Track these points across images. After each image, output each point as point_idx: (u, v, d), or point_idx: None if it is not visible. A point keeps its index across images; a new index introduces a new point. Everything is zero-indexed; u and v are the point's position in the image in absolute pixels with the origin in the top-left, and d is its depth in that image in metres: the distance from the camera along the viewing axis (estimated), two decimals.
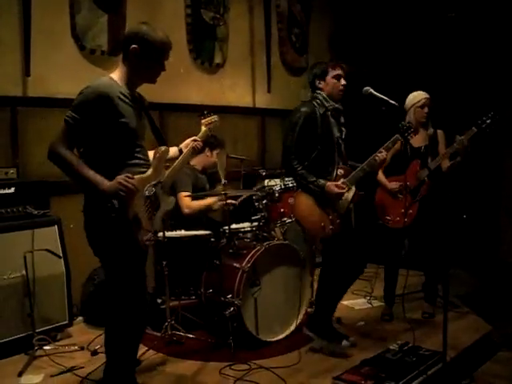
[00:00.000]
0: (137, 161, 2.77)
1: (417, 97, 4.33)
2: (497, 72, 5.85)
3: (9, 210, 3.84)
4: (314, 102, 3.71)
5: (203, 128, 3.67)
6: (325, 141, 3.67)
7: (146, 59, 2.72)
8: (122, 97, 2.69)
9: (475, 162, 5.62)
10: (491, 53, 5.86)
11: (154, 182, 2.81)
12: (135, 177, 2.65)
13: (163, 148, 2.90)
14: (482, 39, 5.88)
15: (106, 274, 2.89)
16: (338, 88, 3.71)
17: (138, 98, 2.88)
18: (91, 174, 2.59)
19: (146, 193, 2.75)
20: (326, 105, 3.69)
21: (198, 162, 4.75)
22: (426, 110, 4.31)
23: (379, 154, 3.68)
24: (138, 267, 2.80)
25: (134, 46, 2.70)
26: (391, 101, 3.43)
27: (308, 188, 3.66)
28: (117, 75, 2.76)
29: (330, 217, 3.68)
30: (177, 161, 3.38)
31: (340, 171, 3.74)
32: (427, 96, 4.33)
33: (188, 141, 3.48)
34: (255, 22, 6.27)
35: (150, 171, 2.79)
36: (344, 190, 3.65)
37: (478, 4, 5.86)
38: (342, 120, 3.83)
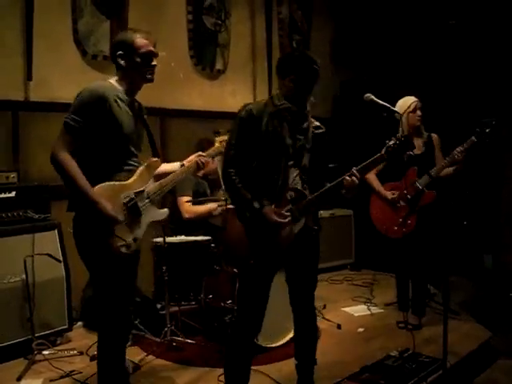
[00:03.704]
0: (127, 167, 2.78)
1: (406, 102, 4.28)
2: (497, 79, 5.86)
3: (9, 214, 3.84)
4: (267, 101, 2.96)
5: (216, 145, 3.41)
6: (271, 149, 2.84)
7: (132, 62, 2.75)
8: (118, 100, 2.72)
9: (476, 169, 5.63)
10: (491, 59, 5.87)
11: (136, 190, 2.79)
12: (116, 183, 2.70)
13: (153, 159, 2.92)
14: (482, 46, 5.90)
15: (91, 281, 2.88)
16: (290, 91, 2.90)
17: (137, 106, 2.90)
18: (89, 188, 2.59)
19: (123, 199, 2.74)
20: (278, 103, 2.88)
21: None
22: (418, 113, 4.26)
23: (349, 178, 2.81)
24: (115, 274, 2.74)
25: (119, 52, 2.76)
26: (392, 107, 3.43)
27: (239, 210, 2.91)
28: (115, 81, 2.81)
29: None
30: (173, 173, 3.07)
31: (290, 194, 2.86)
32: (416, 99, 4.30)
33: (192, 156, 3.26)
34: (256, 28, 6.28)
35: (131, 179, 2.79)
36: (285, 220, 2.81)
37: (478, 11, 5.89)
38: (305, 125, 2.95)
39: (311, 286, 3.13)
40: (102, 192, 2.64)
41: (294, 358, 3.23)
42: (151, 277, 4.43)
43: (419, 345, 3.78)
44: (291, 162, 2.88)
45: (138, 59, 2.76)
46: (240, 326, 2.99)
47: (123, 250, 2.72)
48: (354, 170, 2.83)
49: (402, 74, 6.20)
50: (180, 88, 5.36)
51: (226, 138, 3.24)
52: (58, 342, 4.01)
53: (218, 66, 5.85)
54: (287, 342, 3.93)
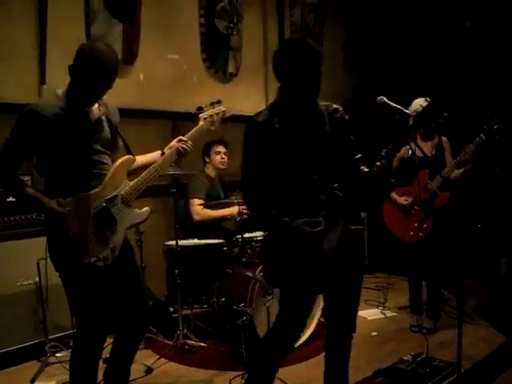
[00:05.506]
0: (91, 177, 2.64)
1: (415, 103, 4.24)
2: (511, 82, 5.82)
3: (23, 217, 3.87)
4: (271, 108, 2.68)
5: (200, 123, 3.03)
6: (288, 159, 2.57)
7: (83, 74, 2.60)
8: (61, 113, 2.58)
9: (490, 170, 5.59)
10: (505, 62, 5.83)
11: (108, 197, 2.66)
12: (82, 194, 2.60)
13: (124, 158, 2.76)
14: (496, 49, 5.86)
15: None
16: None
17: (99, 108, 2.72)
18: (32, 191, 2.64)
19: (93, 210, 2.62)
20: (282, 109, 2.62)
21: (210, 170, 4.78)
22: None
23: (379, 163, 2.53)
24: (87, 289, 2.67)
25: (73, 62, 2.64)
26: (405, 110, 3.41)
27: (272, 229, 2.64)
28: (63, 90, 2.69)
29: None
30: (152, 166, 2.84)
31: (322, 198, 2.55)
32: (424, 104, 4.25)
33: (173, 142, 2.96)
34: (269, 32, 6.28)
35: (99, 187, 2.64)
36: (319, 229, 2.49)
37: (491, 14, 5.85)
38: (320, 123, 2.64)
39: (353, 304, 2.97)
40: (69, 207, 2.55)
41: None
42: (164, 280, 4.44)
43: (433, 349, 3.75)
44: (312, 166, 2.57)
45: (93, 79, 2.60)
46: (274, 346, 2.73)
47: (100, 264, 2.61)
48: (383, 152, 2.54)
49: (415, 77, 6.17)
50: (192, 91, 5.35)
51: (210, 112, 3.01)
52: (71, 344, 4.00)
53: (231, 69, 5.85)
54: (299, 346, 3.92)
